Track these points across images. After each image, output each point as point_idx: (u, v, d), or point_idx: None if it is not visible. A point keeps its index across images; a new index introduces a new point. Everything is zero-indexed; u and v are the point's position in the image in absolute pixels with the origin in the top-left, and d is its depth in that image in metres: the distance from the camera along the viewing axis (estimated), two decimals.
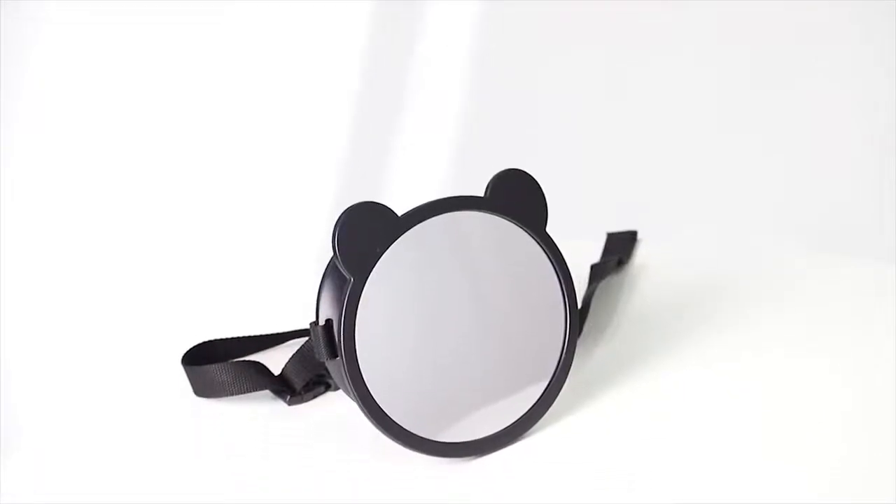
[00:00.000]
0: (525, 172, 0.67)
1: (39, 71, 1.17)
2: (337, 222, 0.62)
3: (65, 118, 1.19)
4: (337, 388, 0.75)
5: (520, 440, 0.67)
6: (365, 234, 0.63)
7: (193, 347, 0.80)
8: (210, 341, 0.81)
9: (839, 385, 0.69)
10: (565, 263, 0.68)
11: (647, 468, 0.62)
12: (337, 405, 0.73)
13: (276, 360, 0.77)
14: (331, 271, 0.67)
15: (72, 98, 1.19)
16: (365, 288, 0.63)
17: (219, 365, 0.75)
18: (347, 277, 0.63)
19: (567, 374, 0.68)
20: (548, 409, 0.68)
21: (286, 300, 0.92)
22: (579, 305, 0.72)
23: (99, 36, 1.19)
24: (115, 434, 0.75)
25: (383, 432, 0.64)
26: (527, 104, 1.32)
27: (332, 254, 0.63)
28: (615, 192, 1.24)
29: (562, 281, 0.68)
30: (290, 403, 0.75)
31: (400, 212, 0.64)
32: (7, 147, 1.13)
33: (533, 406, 0.67)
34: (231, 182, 1.24)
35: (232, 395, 0.75)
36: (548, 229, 0.67)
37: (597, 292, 0.84)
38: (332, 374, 0.71)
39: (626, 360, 0.75)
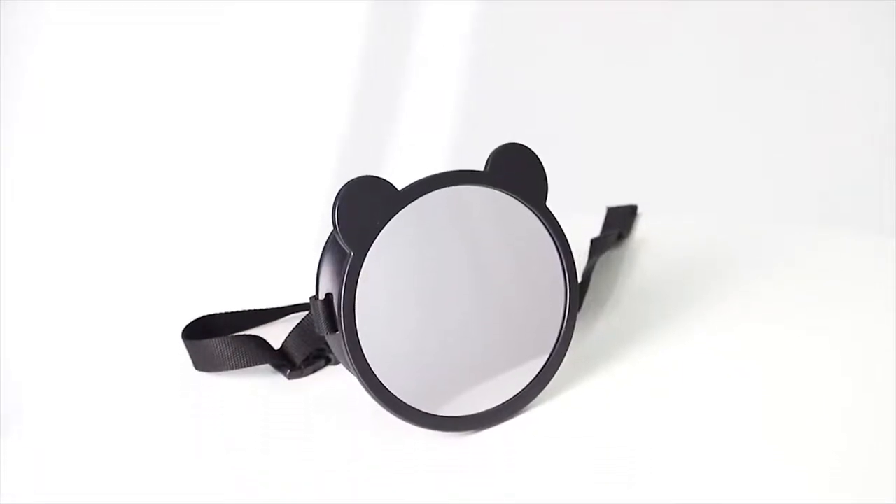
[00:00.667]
0: (525, 146, 0.66)
1: (39, 71, 1.18)
2: (337, 196, 0.62)
3: (65, 114, 1.19)
4: (337, 363, 0.75)
5: (519, 414, 0.67)
6: (365, 208, 0.63)
7: (193, 321, 0.80)
8: (210, 315, 0.81)
9: (839, 360, 0.69)
10: (565, 237, 0.68)
11: (647, 443, 0.62)
12: (337, 379, 0.73)
13: (276, 334, 0.77)
14: (331, 245, 0.66)
15: (72, 97, 1.20)
16: (365, 262, 0.63)
17: (219, 339, 0.75)
18: (347, 251, 0.63)
19: (567, 348, 0.68)
20: (547, 383, 0.68)
21: (286, 274, 0.92)
22: (579, 279, 0.72)
23: (99, 36, 1.20)
24: (115, 409, 0.75)
25: (383, 406, 0.64)
26: (527, 78, 1.31)
27: (332, 228, 0.63)
28: (615, 166, 1.24)
29: (562, 255, 0.68)
30: (290, 377, 0.75)
31: (400, 186, 0.63)
32: (7, 144, 1.14)
33: (532, 380, 0.67)
34: (231, 157, 1.24)
35: (232, 369, 0.75)
36: (548, 203, 0.67)
37: (597, 266, 0.84)
38: (332, 349, 0.71)
39: (626, 334, 0.75)
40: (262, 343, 0.75)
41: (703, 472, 0.59)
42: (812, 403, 0.65)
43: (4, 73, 1.15)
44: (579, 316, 0.71)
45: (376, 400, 0.64)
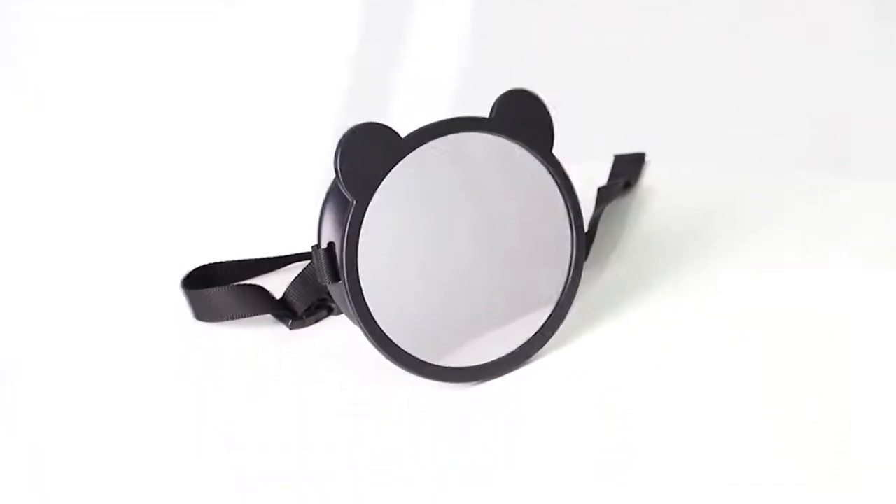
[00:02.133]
0: (531, 93, 0.66)
1: (39, 71, 1.18)
2: (339, 143, 0.61)
3: (64, 103, 1.20)
4: (339, 313, 0.75)
5: (524, 365, 0.67)
6: (368, 155, 0.62)
7: (194, 271, 0.79)
8: (211, 264, 0.80)
9: (843, 310, 0.69)
10: (572, 186, 0.67)
11: (652, 394, 0.62)
12: (339, 329, 0.73)
13: (277, 284, 0.76)
14: (333, 193, 0.66)
15: (71, 94, 1.20)
16: (368, 210, 0.62)
17: (220, 289, 0.75)
18: (350, 199, 0.62)
19: (573, 298, 0.68)
20: (553, 333, 0.67)
21: (288, 223, 0.92)
22: (586, 228, 0.72)
23: (98, 36, 1.20)
24: (116, 359, 0.75)
25: (386, 356, 0.64)
26: (534, 23, 1.30)
27: (334, 175, 0.62)
28: (623, 113, 1.24)
29: (568, 204, 0.67)
30: (291, 328, 0.74)
31: (404, 133, 0.63)
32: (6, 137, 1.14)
33: (538, 331, 0.67)
34: (233, 104, 1.24)
35: (233, 319, 0.75)
36: (554, 151, 0.66)
37: (604, 215, 0.83)
38: (335, 298, 0.71)
39: (633, 283, 0.75)
40: (263, 293, 0.75)
41: (708, 422, 0.59)
42: (815, 354, 0.64)
43: (4, 73, 1.16)
44: (586, 265, 0.71)
45: (379, 350, 0.64)
